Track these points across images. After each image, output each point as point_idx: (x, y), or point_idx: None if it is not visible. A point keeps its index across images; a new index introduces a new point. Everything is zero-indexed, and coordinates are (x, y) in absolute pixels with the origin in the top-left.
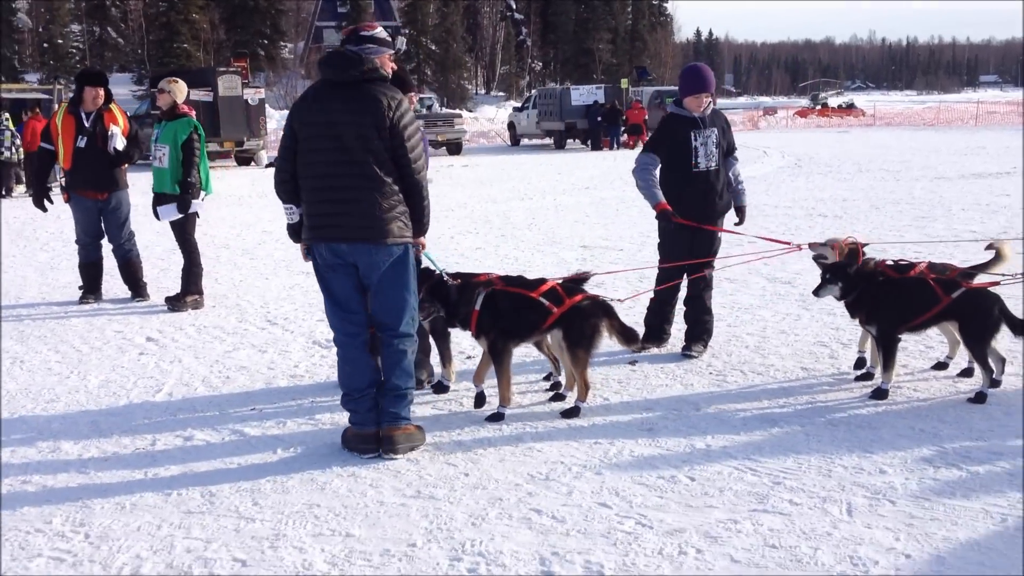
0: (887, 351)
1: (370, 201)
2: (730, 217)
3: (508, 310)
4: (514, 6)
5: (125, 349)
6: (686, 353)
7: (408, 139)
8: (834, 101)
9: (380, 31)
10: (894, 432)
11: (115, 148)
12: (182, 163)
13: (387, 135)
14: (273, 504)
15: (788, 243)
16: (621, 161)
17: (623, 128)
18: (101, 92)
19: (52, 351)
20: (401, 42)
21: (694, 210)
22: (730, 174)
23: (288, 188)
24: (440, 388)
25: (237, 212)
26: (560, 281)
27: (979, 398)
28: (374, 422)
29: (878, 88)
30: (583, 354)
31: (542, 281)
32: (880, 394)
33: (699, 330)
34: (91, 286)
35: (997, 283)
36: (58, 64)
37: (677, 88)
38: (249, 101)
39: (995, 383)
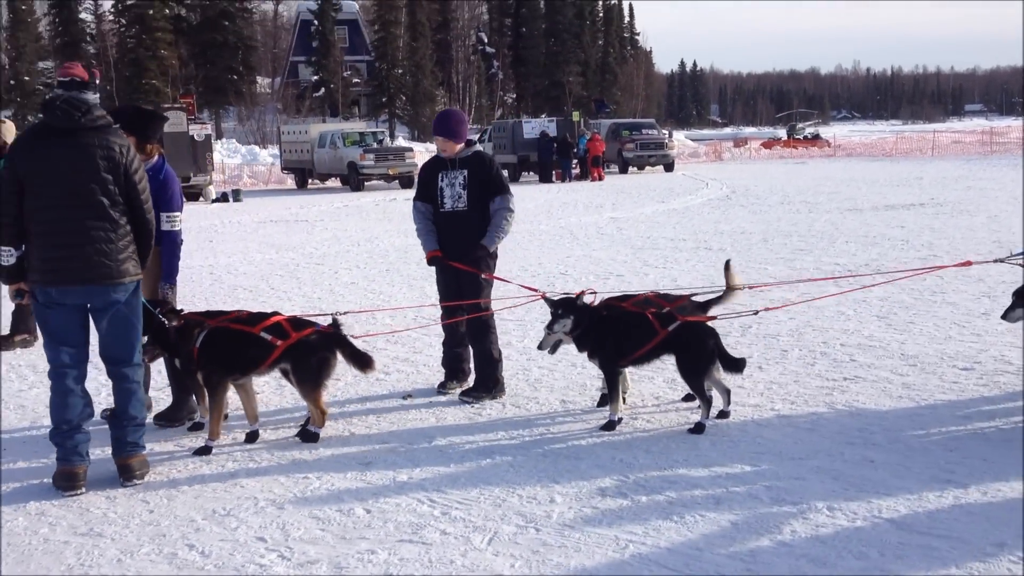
0: (610, 383)
1: (106, 243)
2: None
3: (227, 347)
4: (485, 40)
5: None
6: (463, 398)
7: (139, 182)
8: (811, 131)
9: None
10: (593, 463)
11: None
12: None
13: (121, 180)
14: None
15: (536, 290)
16: (567, 193)
17: (575, 161)
18: None
19: None
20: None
21: (448, 250)
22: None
23: (11, 231)
24: (198, 426)
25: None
26: (287, 316)
27: (698, 428)
28: (80, 458)
29: (864, 118)
30: (311, 386)
31: (267, 316)
32: (609, 426)
33: (480, 376)
34: None
35: (714, 317)
36: (25, 101)
37: (632, 120)
38: (195, 137)
39: (724, 414)
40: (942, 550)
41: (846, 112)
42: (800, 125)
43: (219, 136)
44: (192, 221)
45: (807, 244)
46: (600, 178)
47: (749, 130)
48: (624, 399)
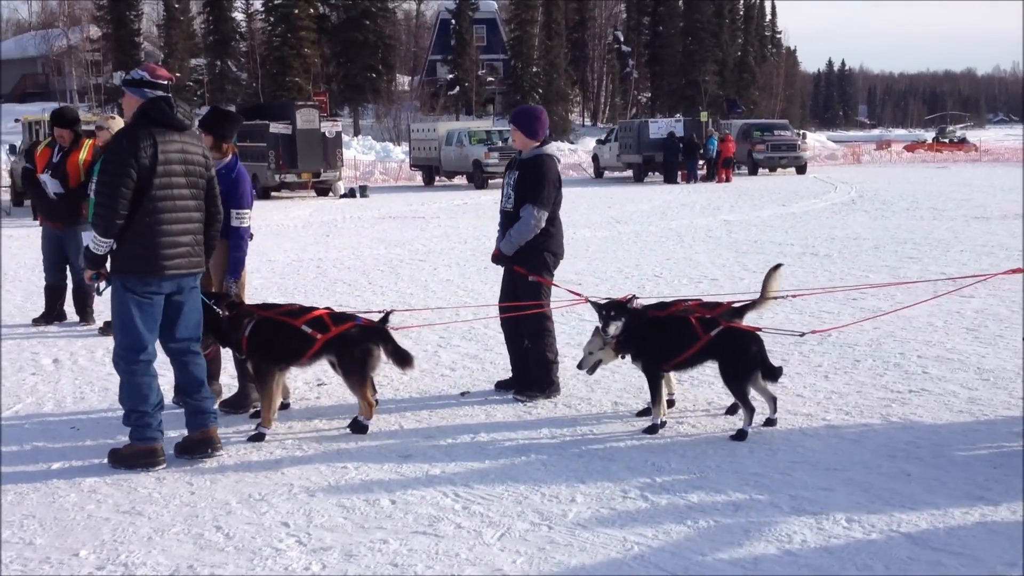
0: (653, 387)
1: (198, 234)
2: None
3: (272, 338)
4: (622, 38)
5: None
6: (516, 397)
7: (214, 181)
8: (959, 134)
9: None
10: (625, 464)
11: (55, 193)
12: None
13: (208, 176)
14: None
15: (579, 295)
16: (687, 195)
17: (701, 162)
18: (67, 134)
19: None
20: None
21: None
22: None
23: (120, 227)
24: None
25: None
26: (329, 310)
27: (740, 435)
28: (160, 436)
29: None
30: (356, 379)
31: (312, 310)
32: (651, 429)
33: (535, 377)
34: (48, 309)
35: (759, 329)
36: (176, 96)
37: (764, 121)
38: (326, 134)
39: (770, 422)
40: (950, 567)
41: (1003, 115)
42: (950, 128)
43: (356, 133)
44: (316, 216)
45: (919, 252)
46: (727, 180)
47: (898, 132)
48: (672, 402)
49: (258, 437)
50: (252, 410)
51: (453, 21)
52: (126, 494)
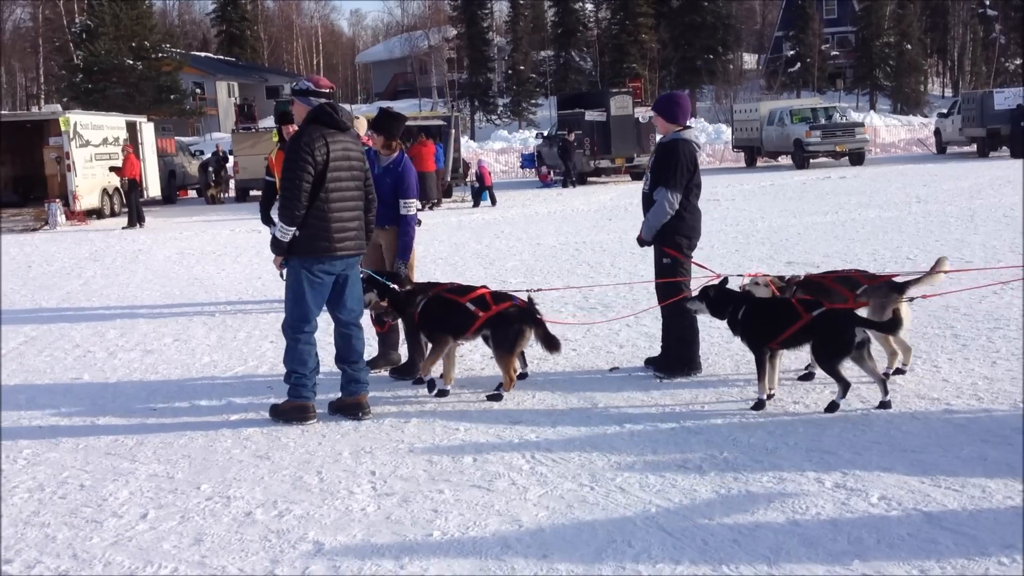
0: (758, 363)
1: (362, 221)
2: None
3: (440, 313)
4: (987, 2)
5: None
6: (656, 375)
7: (370, 175)
8: None
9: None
10: (706, 439)
11: None
12: None
13: (366, 169)
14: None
15: (716, 273)
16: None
17: None
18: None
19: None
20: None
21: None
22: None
23: (301, 216)
24: (420, 382)
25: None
26: (491, 290)
27: (831, 407)
28: (313, 395)
29: None
30: (505, 353)
31: (474, 289)
32: (757, 405)
33: (675, 355)
34: None
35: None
36: (519, 89)
37: None
38: (640, 119)
39: (884, 404)
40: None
41: None
42: None
43: (692, 115)
44: (616, 200)
45: None
46: None
47: None
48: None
49: (442, 392)
50: (418, 377)
51: None
52: (269, 442)
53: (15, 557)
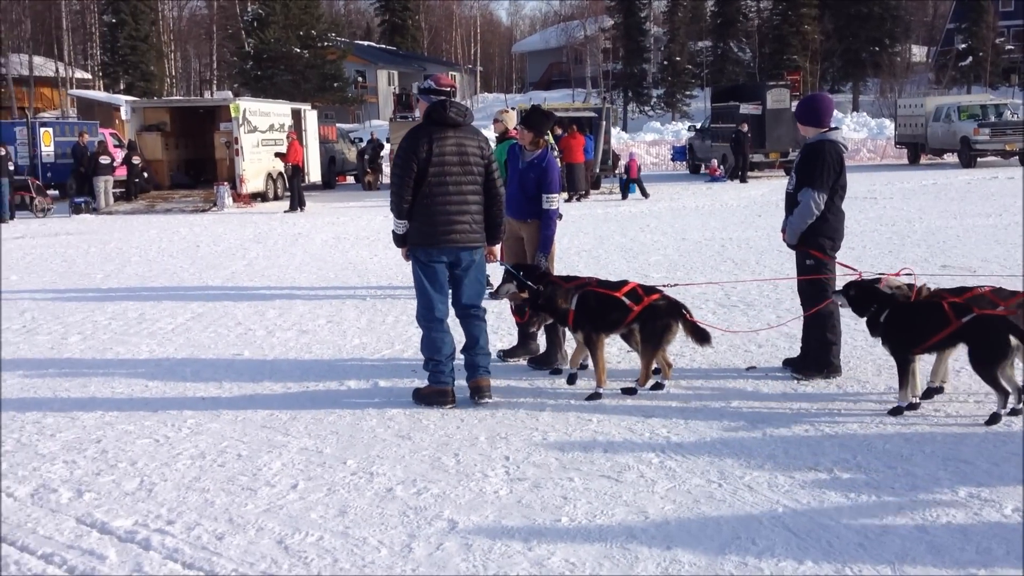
0: (900, 370)
1: (476, 215)
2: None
3: (596, 308)
4: None
5: None
6: (793, 375)
7: (495, 170)
8: None
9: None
10: (836, 443)
11: None
12: None
13: (483, 167)
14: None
15: (855, 269)
16: None
17: None
18: None
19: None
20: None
21: None
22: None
23: (408, 208)
24: (556, 371)
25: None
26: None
27: (993, 419)
28: (452, 380)
29: None
30: (650, 347)
31: (624, 283)
32: (895, 411)
33: (814, 356)
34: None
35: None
36: (675, 80)
37: None
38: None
39: (1015, 412)
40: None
41: None
42: None
43: (855, 109)
44: (768, 195)
45: None
46: None
47: None
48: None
49: (595, 396)
50: (553, 368)
51: None
52: (411, 423)
53: (177, 519)
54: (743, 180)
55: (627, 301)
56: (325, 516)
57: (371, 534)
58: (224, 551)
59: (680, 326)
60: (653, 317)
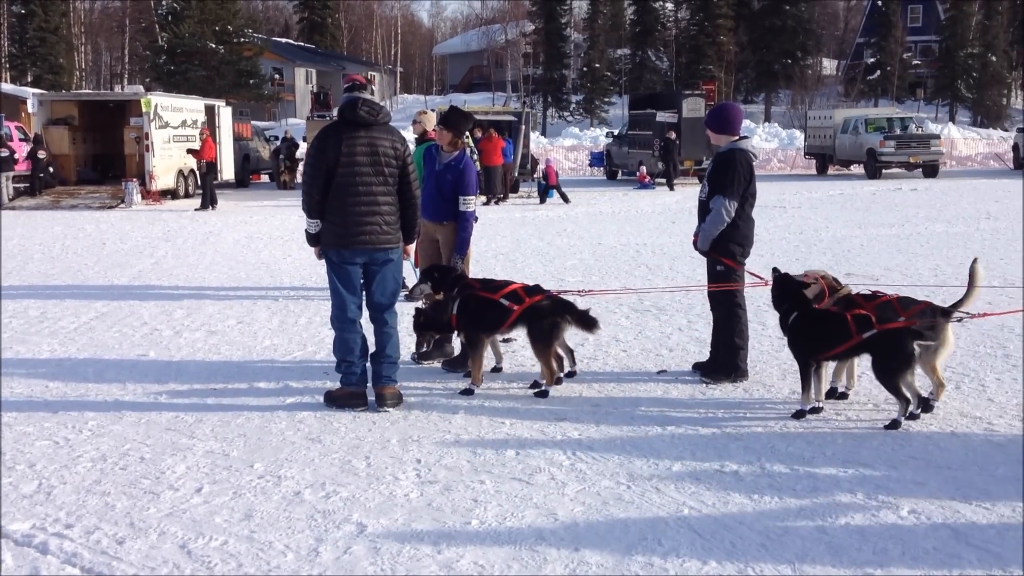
0: (802, 375)
1: (388, 215)
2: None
3: (477, 311)
4: None
5: None
6: (702, 379)
7: (412, 171)
8: None
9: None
10: (744, 445)
11: None
12: None
13: (397, 167)
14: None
15: (763, 279)
16: None
17: None
18: None
19: None
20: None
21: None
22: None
23: (318, 208)
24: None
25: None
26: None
27: (893, 425)
28: (364, 383)
29: None
30: (542, 346)
31: (508, 284)
32: (797, 415)
33: (722, 361)
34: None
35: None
36: (594, 87)
37: None
38: None
39: (913, 416)
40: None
41: None
42: None
43: (767, 119)
44: (681, 203)
45: None
46: None
47: None
48: (844, 394)
49: (467, 392)
50: (467, 371)
51: (880, 1)
52: (321, 426)
53: (76, 523)
54: (671, 187)
55: (506, 303)
56: (230, 520)
57: (277, 538)
58: (125, 555)
59: (568, 321)
60: (539, 317)
